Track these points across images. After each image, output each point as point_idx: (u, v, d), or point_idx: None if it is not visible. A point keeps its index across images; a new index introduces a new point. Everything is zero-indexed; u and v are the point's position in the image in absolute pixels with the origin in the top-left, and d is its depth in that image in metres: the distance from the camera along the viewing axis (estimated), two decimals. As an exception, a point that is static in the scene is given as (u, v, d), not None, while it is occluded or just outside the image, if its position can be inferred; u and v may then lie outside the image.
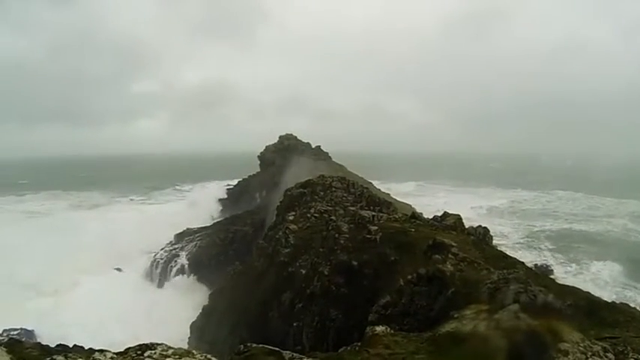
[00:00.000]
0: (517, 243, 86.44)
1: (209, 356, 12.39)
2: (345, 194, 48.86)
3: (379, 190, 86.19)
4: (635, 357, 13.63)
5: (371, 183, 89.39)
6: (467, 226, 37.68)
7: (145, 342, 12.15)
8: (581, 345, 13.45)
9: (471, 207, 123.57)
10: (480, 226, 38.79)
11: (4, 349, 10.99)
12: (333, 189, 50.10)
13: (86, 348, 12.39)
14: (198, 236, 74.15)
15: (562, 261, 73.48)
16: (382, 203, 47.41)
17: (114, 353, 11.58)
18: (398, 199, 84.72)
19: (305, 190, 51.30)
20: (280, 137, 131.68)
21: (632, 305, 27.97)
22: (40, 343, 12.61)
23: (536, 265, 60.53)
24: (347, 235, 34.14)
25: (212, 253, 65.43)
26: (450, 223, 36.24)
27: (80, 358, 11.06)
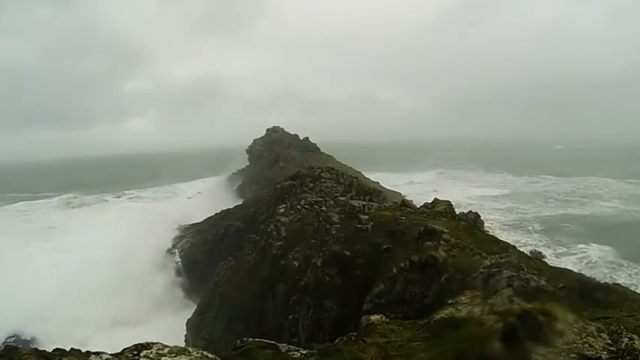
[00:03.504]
0: (508, 226, 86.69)
1: (205, 352, 12.37)
2: (334, 185, 48.82)
3: (368, 179, 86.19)
4: (628, 336, 13.72)
5: (360, 172, 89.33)
6: (457, 212, 37.82)
7: (141, 341, 12.10)
8: (576, 326, 13.56)
9: (461, 192, 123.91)
10: (470, 211, 38.94)
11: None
12: (323, 180, 50.02)
13: (83, 350, 12.30)
14: (190, 233, 73.82)
15: (553, 243, 73.74)
16: (372, 192, 47.48)
17: (110, 354, 11.52)
18: (387, 187, 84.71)
19: (294, 182, 51.22)
20: (268, 130, 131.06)
21: (623, 285, 28.23)
22: (36, 348, 12.45)
23: (527, 248, 61.03)
24: (338, 226, 34.21)
25: (204, 249, 65.10)
26: (440, 209, 36.36)
27: (76, 360, 11.01)
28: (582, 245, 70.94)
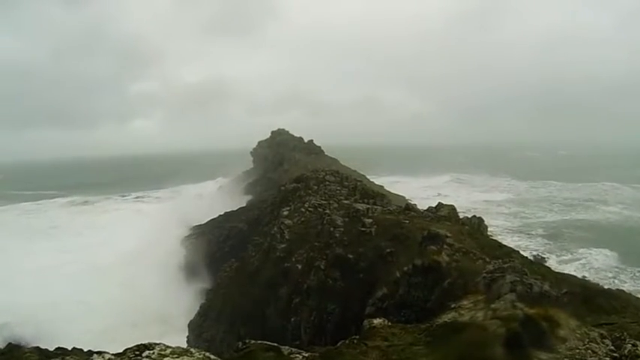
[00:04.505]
0: (512, 231, 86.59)
1: (207, 354, 12.38)
2: (338, 188, 48.78)
3: (373, 182, 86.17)
4: (632, 343, 13.68)
5: (364, 175, 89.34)
6: (461, 217, 37.79)
7: (143, 342, 12.12)
8: (579, 332, 13.52)
9: (467, 197, 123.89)
10: (474, 216, 38.95)
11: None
12: (327, 183, 50.01)
13: (85, 350, 12.35)
14: (193, 234, 74.01)
15: (557, 248, 73.66)
16: (376, 196, 47.40)
17: (112, 354, 11.54)
18: (391, 191, 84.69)
19: (299, 185, 51.21)
20: (272, 132, 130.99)
21: (626, 291, 28.17)
22: (38, 347, 12.50)
23: (531, 253, 61.04)
24: (342, 229, 34.15)
25: (208, 250, 65.15)
26: (444, 213, 36.32)
27: (78, 360, 11.04)
28: (586, 250, 70.82)
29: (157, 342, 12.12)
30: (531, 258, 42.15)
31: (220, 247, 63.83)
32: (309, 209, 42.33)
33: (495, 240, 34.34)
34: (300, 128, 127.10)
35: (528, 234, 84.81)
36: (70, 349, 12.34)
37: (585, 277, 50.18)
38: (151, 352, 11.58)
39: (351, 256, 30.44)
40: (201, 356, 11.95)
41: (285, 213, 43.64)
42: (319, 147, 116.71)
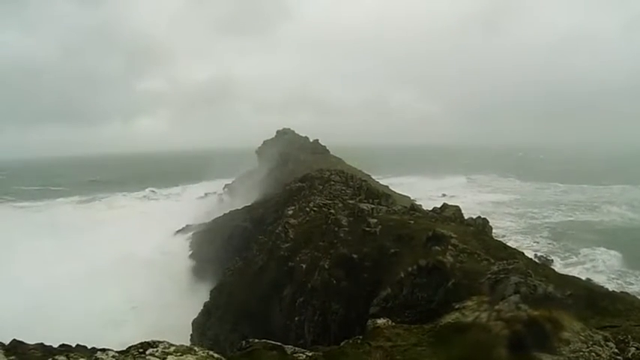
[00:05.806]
0: (517, 232, 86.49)
1: (211, 352, 12.38)
2: (343, 187, 48.86)
3: (378, 182, 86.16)
4: (636, 346, 13.65)
5: (369, 175, 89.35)
6: (467, 217, 37.77)
7: (147, 340, 12.14)
8: (582, 334, 13.48)
9: (471, 198, 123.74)
10: (479, 217, 38.90)
11: (1, 351, 10.95)
12: (332, 182, 50.09)
13: (89, 347, 12.38)
14: (198, 233, 74.28)
15: (561, 250, 73.50)
16: (381, 196, 47.45)
17: (116, 352, 11.56)
18: (396, 190, 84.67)
19: (304, 184, 51.33)
20: (278, 132, 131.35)
21: (631, 294, 28.10)
22: (42, 343, 12.55)
23: (536, 255, 60.94)
24: (346, 229, 34.16)
25: (212, 249, 65.31)
26: (449, 214, 36.31)
27: (82, 357, 11.05)
28: (591, 252, 70.59)
29: (161, 340, 12.13)
30: (536, 259, 42.11)
31: (225, 246, 63.90)
32: (314, 209, 42.37)
33: (500, 241, 34.31)
34: (307, 128, 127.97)
35: (533, 235, 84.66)
36: (74, 345, 12.37)
37: (590, 279, 50.12)
38: (155, 349, 11.59)
39: (355, 256, 30.43)
40: (204, 354, 11.95)
41: (290, 212, 43.69)
42: (324, 147, 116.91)
